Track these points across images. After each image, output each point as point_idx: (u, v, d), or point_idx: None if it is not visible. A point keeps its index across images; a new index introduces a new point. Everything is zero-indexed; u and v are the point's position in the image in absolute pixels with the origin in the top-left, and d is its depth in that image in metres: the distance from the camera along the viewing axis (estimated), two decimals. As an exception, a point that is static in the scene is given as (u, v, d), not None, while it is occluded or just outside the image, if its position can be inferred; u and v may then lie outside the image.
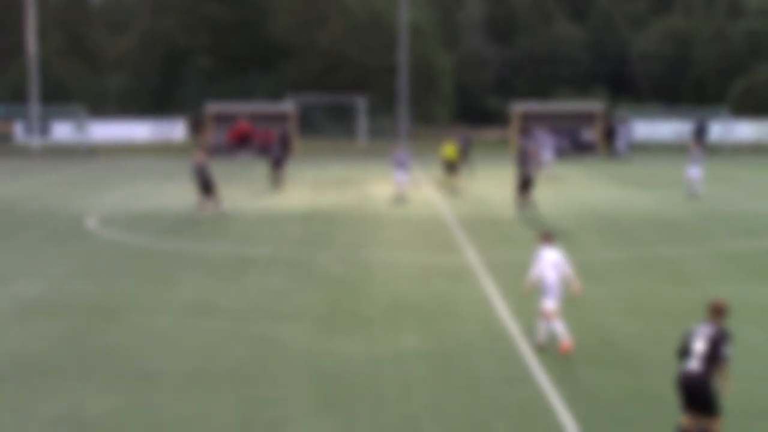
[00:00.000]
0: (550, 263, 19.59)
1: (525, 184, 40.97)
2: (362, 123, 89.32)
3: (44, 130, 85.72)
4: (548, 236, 20.25)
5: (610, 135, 76.08)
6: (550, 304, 19.38)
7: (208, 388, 17.14)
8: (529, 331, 20.63)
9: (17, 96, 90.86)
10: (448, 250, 31.81)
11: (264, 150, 76.66)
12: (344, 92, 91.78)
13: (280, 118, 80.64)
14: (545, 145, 57.52)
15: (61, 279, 27.12)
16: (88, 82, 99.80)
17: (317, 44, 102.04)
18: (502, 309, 23.11)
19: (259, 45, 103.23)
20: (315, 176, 58.82)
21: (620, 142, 75.85)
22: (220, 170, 62.81)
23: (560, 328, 19.26)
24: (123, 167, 67.36)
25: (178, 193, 48.81)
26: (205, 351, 19.61)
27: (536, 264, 19.81)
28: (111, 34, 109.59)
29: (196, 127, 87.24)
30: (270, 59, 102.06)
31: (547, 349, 19.30)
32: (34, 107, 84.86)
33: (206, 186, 38.58)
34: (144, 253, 31.58)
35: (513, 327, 21.30)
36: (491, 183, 54.29)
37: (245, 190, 50.85)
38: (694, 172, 45.88)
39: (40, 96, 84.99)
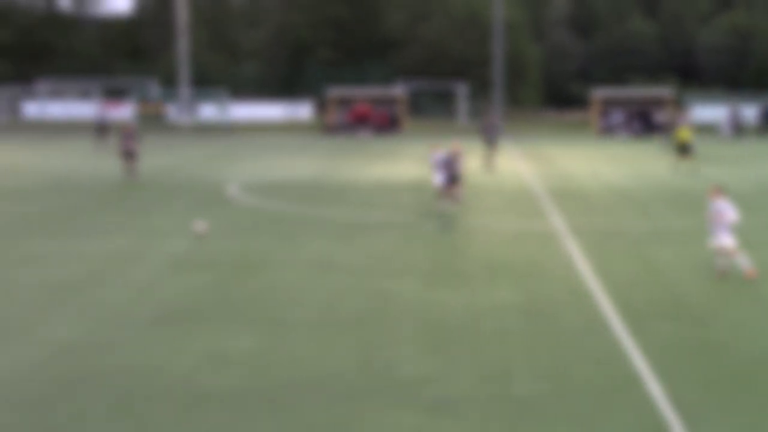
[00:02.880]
0: (720, 210, 21.15)
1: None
2: (462, 106, 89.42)
3: (192, 110, 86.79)
4: (719, 189, 21.68)
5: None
6: (727, 240, 21.14)
7: (331, 332, 17.29)
8: (608, 288, 20.60)
9: (170, 81, 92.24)
10: (537, 217, 31.68)
11: (384, 128, 77.03)
12: (446, 79, 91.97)
13: (391, 101, 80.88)
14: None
15: (210, 237, 27.48)
16: (228, 70, 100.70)
17: (423, 37, 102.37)
18: (584, 268, 22.97)
19: (373, 38, 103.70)
20: (422, 152, 58.77)
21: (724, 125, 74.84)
22: (341, 146, 63.14)
23: (743, 261, 21.21)
24: (258, 143, 67.88)
25: (305, 165, 49.20)
26: (328, 301, 19.77)
27: (711, 211, 21.57)
28: (248, 29, 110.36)
29: (321, 109, 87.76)
30: (382, 50, 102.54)
31: (728, 278, 21.13)
32: (185, 91, 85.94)
33: (453, 178, 32.83)
34: (277, 217, 31.87)
35: (594, 284, 21.16)
36: (574, 158, 53.97)
37: (363, 162, 51.04)
38: None
39: (190, 81, 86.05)
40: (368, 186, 40.40)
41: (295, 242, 26.74)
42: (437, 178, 32.90)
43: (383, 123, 78.46)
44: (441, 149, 33.92)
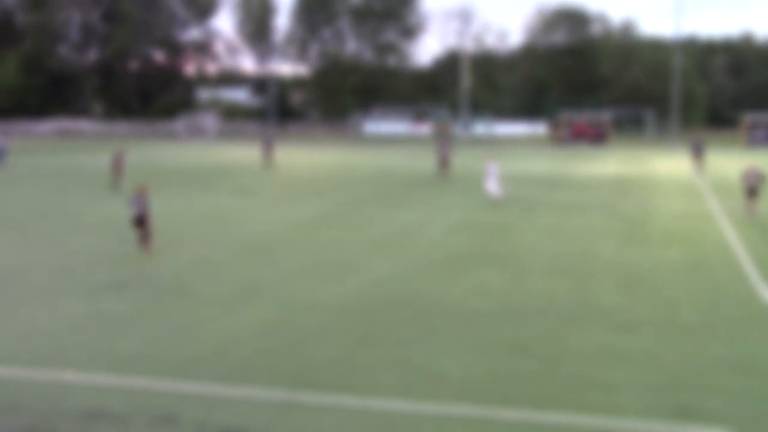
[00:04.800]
0: None
1: None
2: (649, 126, 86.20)
3: (468, 128, 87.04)
4: None
5: None
6: None
7: (555, 275, 16.99)
8: (749, 251, 19.34)
9: (455, 108, 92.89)
10: (699, 201, 30.05)
11: (595, 140, 75.06)
12: (639, 108, 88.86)
13: (600, 122, 78.58)
14: None
15: (477, 211, 27.51)
16: (493, 101, 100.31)
17: (623, 79, 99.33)
18: (732, 237, 21.61)
19: (589, 80, 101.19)
20: (619, 156, 56.85)
21: None
22: (565, 153, 61.77)
23: None
24: (510, 150, 67.38)
25: (540, 165, 48.52)
26: (553, 254, 19.41)
27: None
28: (506, 75, 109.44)
29: (552, 127, 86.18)
30: (595, 88, 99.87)
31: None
32: (464, 115, 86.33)
33: (752, 191, 25.77)
34: (520, 198, 31.51)
35: (739, 249, 19.88)
36: (725, 164, 50.84)
37: (580, 163, 49.86)
38: None
39: (468, 108, 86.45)
40: (583, 179, 39.39)
41: (532, 215, 26.43)
42: (490, 185, 30.12)
43: (595, 137, 76.42)
44: (494, 161, 31.21)
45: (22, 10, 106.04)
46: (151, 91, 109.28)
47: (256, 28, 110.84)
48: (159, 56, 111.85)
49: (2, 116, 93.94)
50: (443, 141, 42.65)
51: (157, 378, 10.59)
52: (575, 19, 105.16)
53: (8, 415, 9.40)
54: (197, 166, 47.65)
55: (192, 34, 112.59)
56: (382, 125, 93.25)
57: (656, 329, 12.94)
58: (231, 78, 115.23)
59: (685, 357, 11.54)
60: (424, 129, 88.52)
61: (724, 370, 11.01)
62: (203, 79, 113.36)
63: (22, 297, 15.06)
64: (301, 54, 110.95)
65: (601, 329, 12.93)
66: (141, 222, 19.22)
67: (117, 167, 34.82)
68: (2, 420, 9.30)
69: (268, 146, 48.53)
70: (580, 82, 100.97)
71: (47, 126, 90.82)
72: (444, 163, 40.95)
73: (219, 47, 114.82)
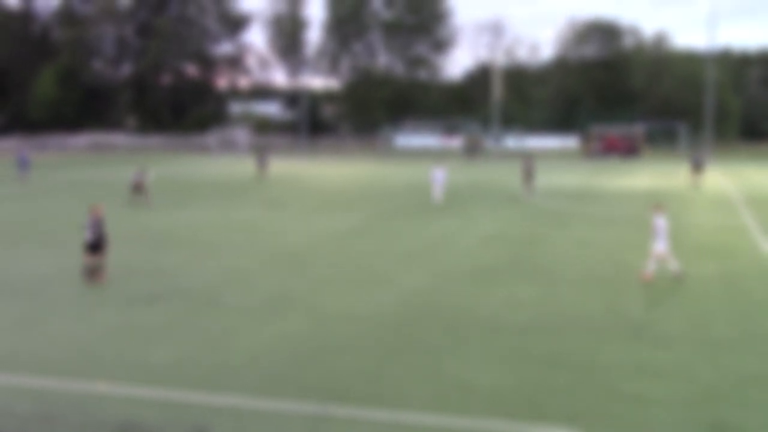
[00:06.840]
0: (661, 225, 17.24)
1: None
2: (682, 139, 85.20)
3: (500, 141, 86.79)
4: (659, 206, 17.85)
5: None
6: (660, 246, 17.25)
7: (586, 287, 16.86)
8: (785, 265, 19.07)
9: (486, 121, 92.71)
10: (733, 216, 29.65)
11: (627, 154, 74.58)
12: (671, 121, 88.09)
13: (632, 135, 78.03)
14: None
15: (508, 223, 27.38)
16: (524, 115, 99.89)
17: (656, 91, 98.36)
18: (767, 250, 21.35)
19: (621, 92, 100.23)
20: (650, 170, 56.30)
21: None
22: (596, 166, 61.35)
23: (652, 267, 17.40)
24: (541, 163, 67.06)
25: (572, 178, 48.20)
26: (585, 266, 19.28)
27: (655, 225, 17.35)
28: (538, 87, 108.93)
29: (583, 140, 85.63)
30: (627, 101, 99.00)
31: (653, 283, 17.24)
32: (495, 128, 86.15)
33: None
34: (552, 211, 31.34)
35: (774, 263, 19.68)
36: (760, 178, 50.17)
37: (612, 177, 49.46)
38: None
39: (498, 121, 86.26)
40: (614, 192, 39.06)
41: (564, 227, 26.26)
42: (436, 192, 33.76)
43: (627, 150, 75.83)
44: (440, 169, 34.33)
45: (59, 26, 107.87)
46: (183, 105, 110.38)
47: (288, 42, 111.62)
48: (192, 70, 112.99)
49: (39, 129, 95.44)
50: (527, 163, 39.08)
51: (190, 390, 10.66)
52: (607, 31, 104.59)
53: (43, 426, 9.51)
54: (229, 179, 47.99)
55: (224, 48, 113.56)
56: (412, 139, 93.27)
57: (690, 343, 12.79)
58: (263, 92, 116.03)
59: (719, 372, 11.39)
60: (455, 142, 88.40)
61: (759, 385, 10.84)
62: (235, 93, 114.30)
63: (56, 307, 15.26)
64: (333, 68, 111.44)
65: (634, 342, 12.80)
66: (97, 248, 17.19)
67: (138, 185, 34.20)
68: (37, 431, 9.41)
69: (262, 160, 49.38)
70: (612, 95, 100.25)
71: (82, 139, 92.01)
72: (529, 178, 38.23)
73: (251, 61, 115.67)
